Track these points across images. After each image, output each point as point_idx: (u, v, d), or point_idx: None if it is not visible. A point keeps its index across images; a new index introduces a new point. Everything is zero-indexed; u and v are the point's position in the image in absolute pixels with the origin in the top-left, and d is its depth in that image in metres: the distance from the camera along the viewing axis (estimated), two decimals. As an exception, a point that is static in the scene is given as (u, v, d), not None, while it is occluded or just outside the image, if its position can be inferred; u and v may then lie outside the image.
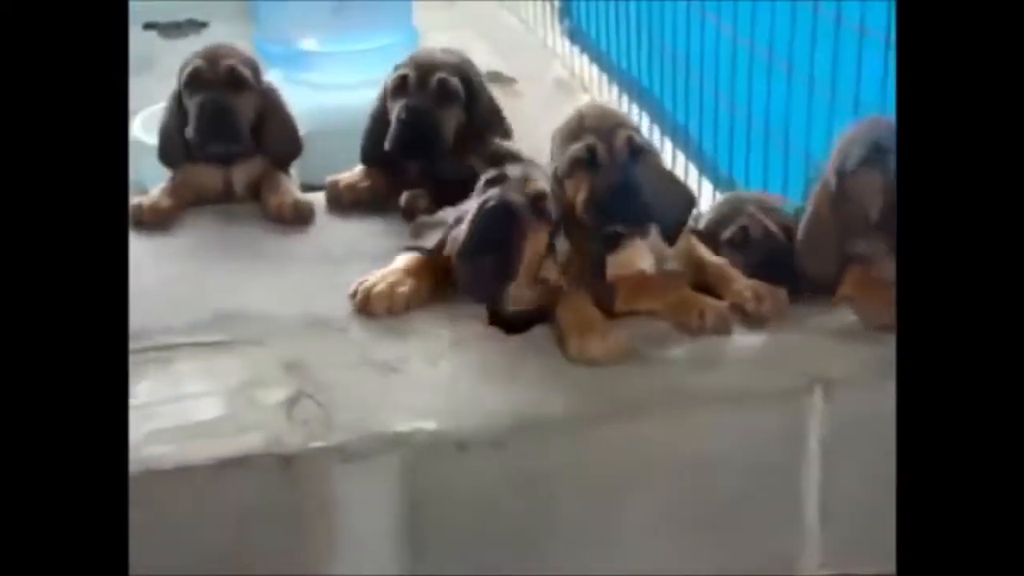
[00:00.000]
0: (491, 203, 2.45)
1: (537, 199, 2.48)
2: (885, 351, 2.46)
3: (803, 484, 2.42)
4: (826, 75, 3.51)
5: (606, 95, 4.84)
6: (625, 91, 4.72)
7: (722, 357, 2.46)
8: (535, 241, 2.47)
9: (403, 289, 2.56)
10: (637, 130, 2.63)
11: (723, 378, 2.42)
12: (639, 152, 2.56)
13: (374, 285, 2.57)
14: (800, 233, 2.66)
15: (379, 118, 3.06)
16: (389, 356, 2.43)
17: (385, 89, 3.05)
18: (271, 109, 3.13)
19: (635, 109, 4.66)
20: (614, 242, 2.54)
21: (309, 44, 4.80)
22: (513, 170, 2.54)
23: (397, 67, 3.03)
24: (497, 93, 3.22)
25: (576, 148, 2.54)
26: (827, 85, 3.50)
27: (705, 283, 2.63)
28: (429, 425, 2.26)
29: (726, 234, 2.73)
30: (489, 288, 2.50)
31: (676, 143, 4.27)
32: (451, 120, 3.00)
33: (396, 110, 2.98)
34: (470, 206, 2.52)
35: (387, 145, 2.98)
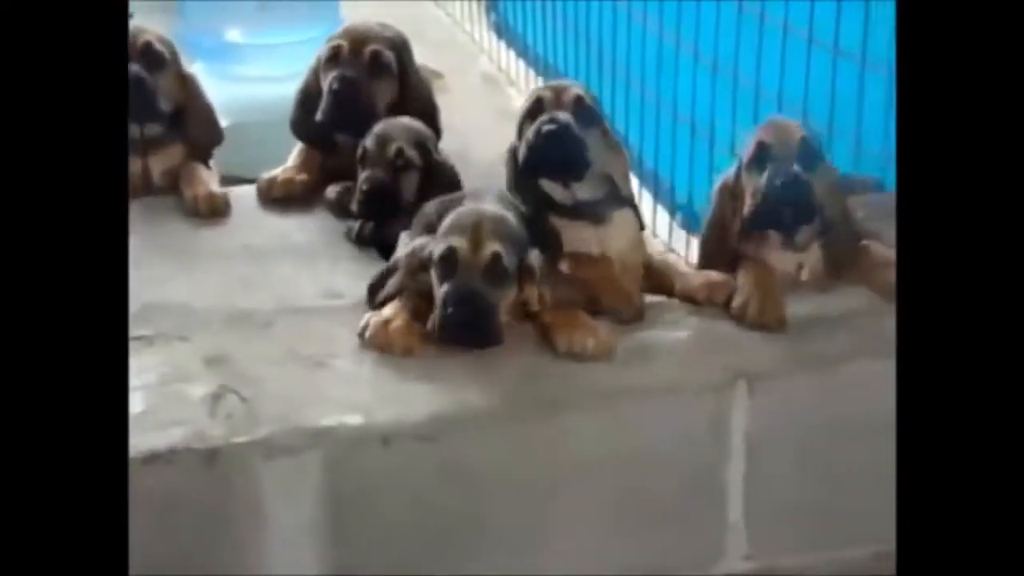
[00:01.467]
0: (453, 303, 2.38)
1: (493, 264, 2.40)
2: (807, 345, 2.49)
3: (727, 477, 2.44)
4: (751, 73, 3.53)
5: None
6: (552, 86, 4.72)
7: (647, 353, 2.47)
8: (507, 302, 2.45)
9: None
10: (593, 96, 2.65)
11: (649, 374, 2.42)
12: (586, 109, 2.57)
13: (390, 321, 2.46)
14: (703, 231, 2.71)
15: (310, 89, 3.04)
16: (315, 351, 2.42)
17: (318, 60, 3.03)
18: (190, 96, 3.08)
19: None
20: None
21: (235, 36, 4.76)
22: (459, 237, 2.42)
23: (330, 38, 3.01)
24: (425, 87, 3.21)
25: (525, 103, 2.58)
26: (752, 83, 3.52)
27: (654, 280, 2.65)
28: (354, 419, 2.25)
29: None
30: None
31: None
32: (382, 93, 2.98)
33: (328, 80, 2.95)
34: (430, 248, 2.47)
35: (319, 116, 2.96)
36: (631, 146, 4.11)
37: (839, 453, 2.47)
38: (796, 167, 2.57)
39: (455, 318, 2.37)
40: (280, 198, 3.02)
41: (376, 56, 2.96)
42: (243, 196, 3.05)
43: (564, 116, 2.54)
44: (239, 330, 2.49)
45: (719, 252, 2.67)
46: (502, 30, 5.28)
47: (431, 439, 2.27)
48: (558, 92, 2.60)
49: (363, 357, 2.41)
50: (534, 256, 2.46)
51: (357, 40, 2.98)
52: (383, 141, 2.78)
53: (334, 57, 2.97)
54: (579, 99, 2.59)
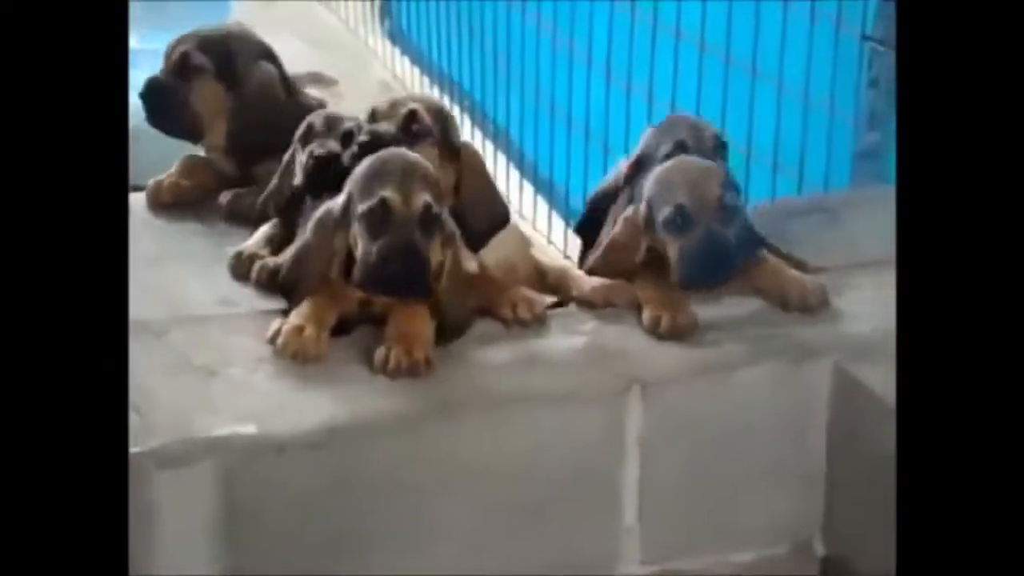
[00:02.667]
0: (394, 258, 2.37)
1: (426, 215, 2.39)
2: (700, 351, 2.51)
3: (622, 482, 2.45)
4: (644, 76, 3.56)
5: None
6: (447, 93, 4.73)
7: (541, 358, 2.48)
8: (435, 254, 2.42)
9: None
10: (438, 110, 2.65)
11: (542, 379, 2.44)
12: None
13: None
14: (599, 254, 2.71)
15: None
16: (208, 360, 2.41)
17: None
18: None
19: (456, 111, 4.67)
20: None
21: (129, 41, 4.72)
22: (390, 188, 2.39)
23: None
24: (319, 94, 3.19)
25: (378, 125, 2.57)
26: (644, 86, 3.55)
27: (548, 287, 2.66)
28: (248, 429, 2.24)
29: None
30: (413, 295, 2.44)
31: (497, 145, 4.28)
32: (198, 94, 3.02)
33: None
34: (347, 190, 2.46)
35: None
36: (526, 152, 4.14)
37: (732, 457, 2.50)
38: (714, 225, 2.56)
39: (394, 273, 2.36)
40: (169, 203, 3.00)
41: (184, 57, 2.99)
42: (135, 202, 3.02)
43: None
44: (132, 339, 2.46)
45: (612, 274, 2.67)
46: (396, 36, 5.28)
47: (325, 447, 2.27)
48: (393, 105, 2.60)
49: (257, 366, 2.40)
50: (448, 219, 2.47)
51: (174, 43, 3.06)
52: (332, 121, 2.73)
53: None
54: (412, 114, 2.59)
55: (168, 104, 3.03)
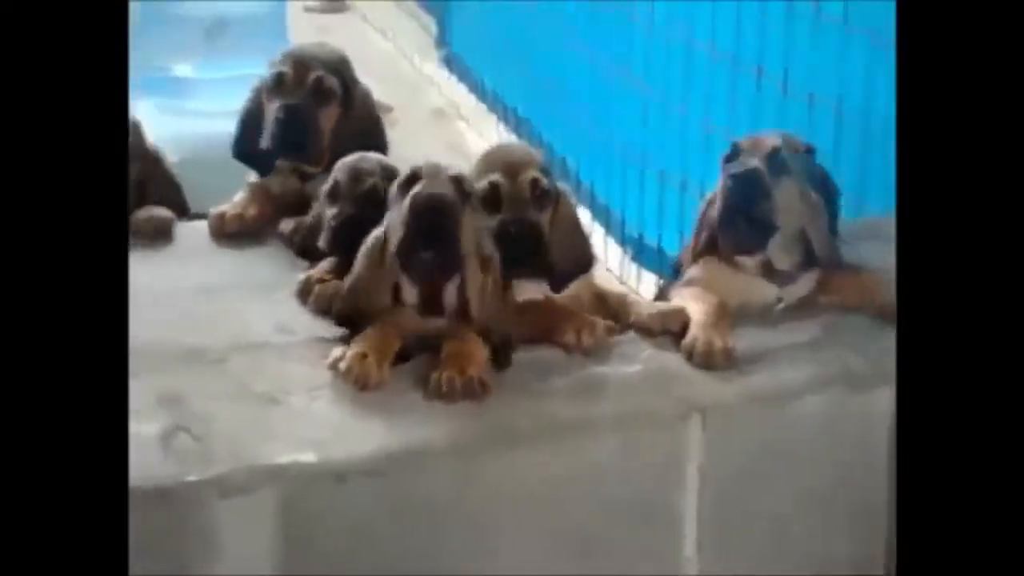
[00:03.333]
0: (422, 194, 2.40)
1: (457, 182, 2.45)
2: (761, 379, 2.50)
3: (681, 510, 2.44)
4: (699, 103, 3.56)
5: (483, 124, 4.85)
6: (502, 120, 4.74)
7: (602, 386, 2.47)
8: (467, 225, 2.45)
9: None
10: (547, 172, 2.64)
11: (601, 406, 2.43)
12: (544, 195, 2.56)
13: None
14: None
15: (252, 114, 3.04)
16: (268, 388, 2.41)
17: (261, 85, 3.03)
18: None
19: (513, 138, 4.67)
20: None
21: (185, 71, 4.77)
22: (423, 166, 2.48)
23: (273, 64, 3.02)
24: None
25: (480, 185, 2.54)
26: (700, 114, 3.54)
27: (608, 313, 2.65)
28: (308, 457, 2.24)
29: None
30: (438, 276, 2.46)
31: (553, 171, 4.29)
32: (327, 118, 2.99)
33: (273, 109, 2.96)
34: (390, 216, 2.49)
35: (263, 144, 2.97)
36: (582, 178, 4.14)
37: (792, 485, 2.48)
38: (755, 162, 2.59)
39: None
40: (232, 233, 3.01)
41: (319, 82, 2.97)
42: (195, 231, 3.04)
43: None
44: (192, 367, 2.48)
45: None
46: (452, 64, 5.30)
47: (383, 474, 2.26)
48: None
49: (316, 394, 2.40)
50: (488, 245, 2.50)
51: (300, 66, 2.99)
52: (356, 176, 2.75)
53: (278, 84, 2.99)
54: (535, 181, 2.59)
55: (304, 130, 2.98)
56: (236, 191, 3.12)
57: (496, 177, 2.54)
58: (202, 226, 3.05)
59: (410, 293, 2.49)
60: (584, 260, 2.67)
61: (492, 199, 2.54)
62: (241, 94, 3.16)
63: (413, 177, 2.46)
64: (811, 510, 2.51)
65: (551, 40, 4.27)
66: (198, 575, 2.20)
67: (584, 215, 3.94)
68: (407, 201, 2.41)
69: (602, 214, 3.93)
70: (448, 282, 2.47)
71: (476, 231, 2.48)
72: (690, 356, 2.54)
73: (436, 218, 2.40)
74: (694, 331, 2.56)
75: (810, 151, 2.75)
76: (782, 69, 3.26)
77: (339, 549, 2.26)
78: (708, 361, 2.52)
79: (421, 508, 2.30)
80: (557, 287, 2.61)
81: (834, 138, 3.26)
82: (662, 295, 2.81)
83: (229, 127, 3.15)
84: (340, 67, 3.04)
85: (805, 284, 2.70)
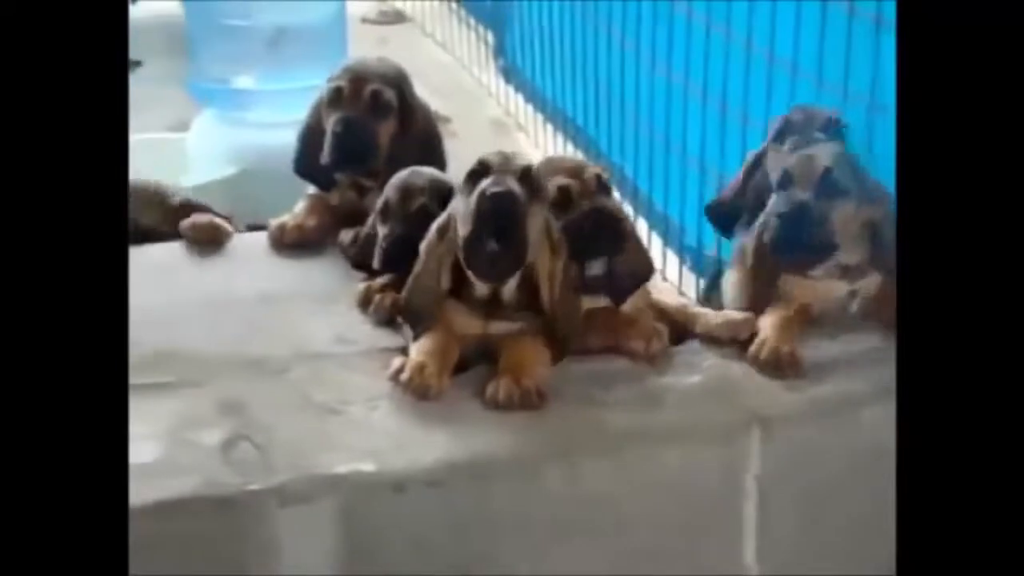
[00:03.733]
0: (489, 192, 2.40)
1: (525, 175, 2.45)
2: (822, 389, 2.48)
3: (741, 522, 2.43)
4: (760, 113, 3.54)
5: (541, 134, 4.85)
6: (560, 130, 4.73)
7: (660, 396, 2.47)
8: (535, 220, 2.46)
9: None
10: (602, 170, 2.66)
11: (662, 417, 2.43)
12: (608, 189, 2.62)
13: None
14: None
15: (312, 130, 3.06)
16: (328, 398, 2.42)
17: (319, 101, 3.05)
18: None
19: (571, 148, 4.67)
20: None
21: (245, 82, 4.78)
22: (491, 157, 2.49)
23: (331, 78, 3.04)
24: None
25: (551, 185, 2.55)
26: (761, 123, 3.53)
27: (669, 322, 2.65)
28: (367, 466, 2.25)
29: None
30: (502, 273, 2.47)
31: (611, 180, 4.28)
32: (385, 131, 3.00)
33: (331, 122, 2.98)
34: (455, 206, 2.49)
35: (323, 158, 2.98)
36: (640, 188, 4.13)
37: (852, 497, 2.47)
38: (806, 194, 2.58)
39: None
40: (291, 244, 3.03)
41: (376, 96, 2.99)
42: (255, 242, 3.06)
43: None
44: (253, 377, 2.50)
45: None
46: (510, 74, 5.30)
47: (443, 485, 2.27)
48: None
49: (376, 403, 2.41)
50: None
51: (357, 80, 3.00)
52: (406, 194, 2.75)
53: (336, 98, 3.00)
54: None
55: (362, 143, 2.99)
56: (296, 202, 3.14)
57: (562, 180, 2.54)
58: (262, 237, 3.07)
59: (475, 288, 2.49)
60: (644, 270, 2.67)
61: (562, 201, 2.54)
62: (301, 105, 3.18)
63: (482, 169, 2.46)
64: (871, 522, 2.49)
65: (609, 50, 4.26)
66: (259, 583, 2.21)
67: (641, 225, 3.93)
68: (474, 196, 2.41)
69: (660, 223, 3.92)
70: (511, 278, 2.47)
71: (545, 221, 2.48)
72: (756, 363, 2.53)
73: (503, 214, 2.40)
74: (761, 338, 2.55)
75: (835, 123, 2.73)
76: (842, 75, 3.24)
77: (398, 559, 2.27)
78: (775, 368, 2.51)
79: (480, 519, 2.30)
80: (619, 299, 2.60)
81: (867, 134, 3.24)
82: (709, 302, 2.80)
83: (289, 138, 3.17)
84: (398, 80, 3.05)
85: (875, 278, 2.67)
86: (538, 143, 4.86)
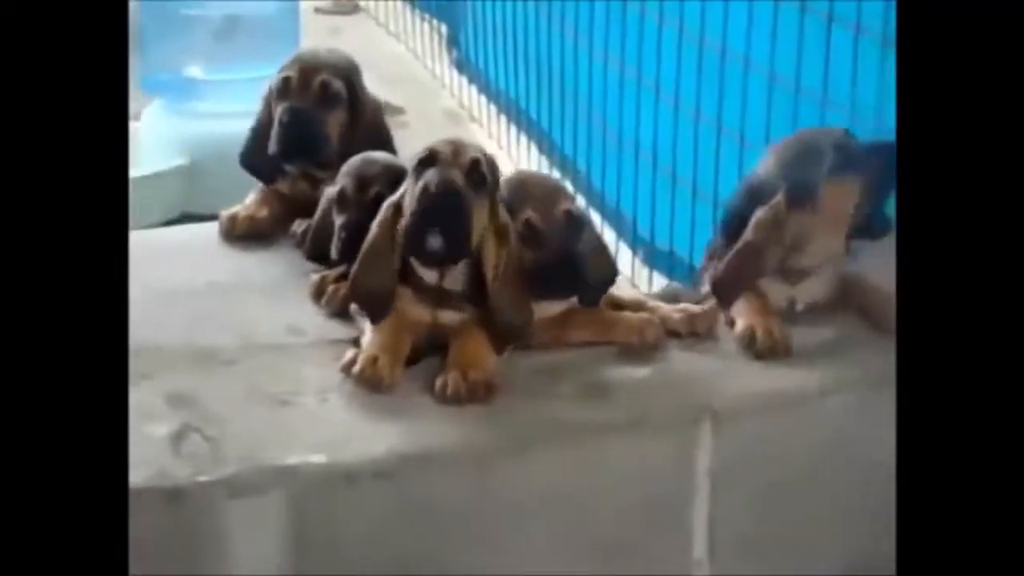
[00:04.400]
0: (432, 185, 2.39)
1: (473, 168, 2.43)
2: (774, 382, 2.49)
3: (692, 515, 2.43)
4: (712, 108, 3.55)
5: (495, 126, 4.85)
6: (513, 123, 4.73)
7: (610, 389, 2.47)
8: (479, 212, 2.44)
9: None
10: (573, 200, 2.62)
11: (611, 410, 2.42)
12: (578, 224, 2.54)
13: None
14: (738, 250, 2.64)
15: (263, 122, 3.03)
16: (278, 389, 2.41)
17: (269, 92, 3.03)
18: None
19: (523, 140, 4.67)
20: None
21: (195, 72, 4.76)
22: (441, 146, 2.46)
23: (281, 69, 3.01)
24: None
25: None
26: (713, 118, 3.54)
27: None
28: (318, 458, 2.24)
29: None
30: (443, 264, 2.46)
31: (564, 175, 4.28)
32: (334, 122, 2.98)
33: (278, 113, 2.96)
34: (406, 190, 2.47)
35: (270, 149, 2.96)
36: (593, 182, 4.13)
37: (806, 489, 2.48)
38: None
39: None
40: (242, 235, 3.01)
41: (325, 86, 2.96)
42: (205, 233, 3.04)
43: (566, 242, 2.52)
44: (203, 368, 2.48)
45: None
46: (464, 66, 5.29)
47: (394, 477, 2.26)
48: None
49: (327, 395, 2.40)
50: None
51: (306, 70, 2.98)
52: (362, 183, 2.73)
53: (284, 88, 2.98)
54: (568, 212, 2.54)
55: (310, 134, 2.95)
56: (247, 193, 3.12)
57: (530, 214, 2.50)
58: (213, 227, 3.05)
59: (423, 275, 2.49)
60: (611, 273, 2.66)
61: (529, 237, 2.50)
62: (253, 96, 3.16)
63: (429, 158, 2.45)
64: (826, 515, 2.50)
65: (562, 43, 4.26)
66: (207, 573, 2.20)
67: (595, 218, 3.94)
68: (419, 187, 2.41)
69: (612, 217, 3.93)
70: (455, 266, 2.47)
71: (491, 210, 2.47)
72: (751, 350, 2.54)
73: (444, 209, 2.39)
74: (748, 322, 2.56)
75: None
76: (794, 71, 3.25)
77: (348, 551, 2.27)
78: (771, 352, 2.52)
79: (431, 511, 2.29)
80: (591, 302, 2.60)
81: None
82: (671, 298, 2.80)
83: (240, 128, 3.15)
84: (348, 71, 3.03)
85: (824, 282, 2.67)
86: (491, 134, 4.86)
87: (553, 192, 2.58)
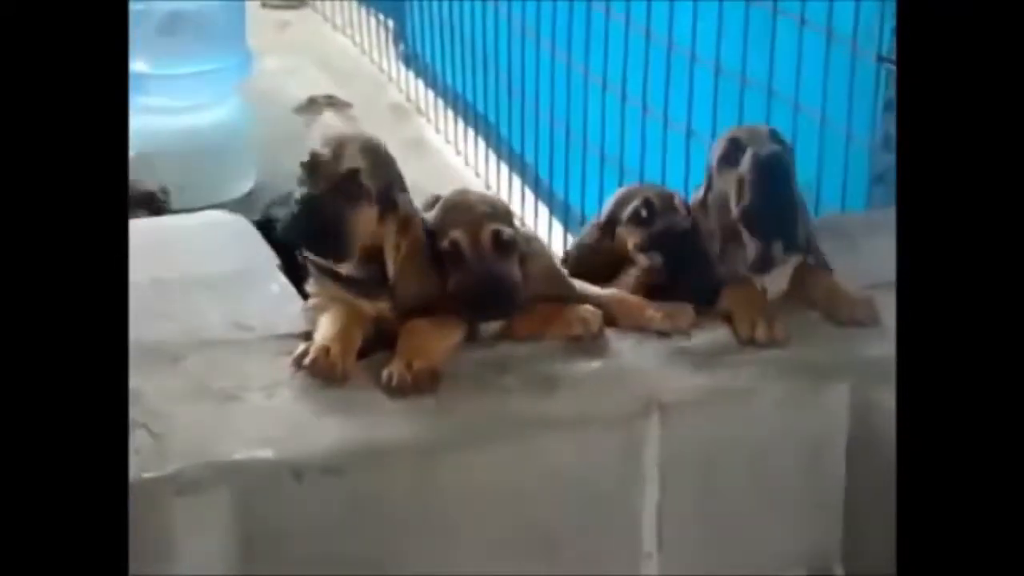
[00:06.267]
0: (304, 199, 2.41)
1: (348, 179, 2.43)
2: (719, 375, 2.50)
3: (640, 507, 2.44)
4: (659, 98, 3.56)
5: (442, 120, 4.85)
6: (460, 117, 4.73)
7: (559, 382, 2.46)
8: (360, 218, 2.45)
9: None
10: (509, 222, 2.58)
11: (560, 403, 2.42)
12: (507, 247, 2.51)
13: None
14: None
15: None
16: (225, 384, 2.40)
17: None
18: None
19: (471, 134, 4.67)
20: None
21: (140, 66, 4.72)
22: (320, 156, 2.44)
23: None
24: (333, 117, 3.19)
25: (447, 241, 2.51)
26: (660, 110, 3.55)
27: (608, 317, 2.62)
28: (265, 453, 2.23)
29: (627, 211, 2.71)
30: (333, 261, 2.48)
31: (511, 167, 4.29)
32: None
33: None
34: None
35: None
36: (540, 175, 4.14)
37: (751, 481, 2.49)
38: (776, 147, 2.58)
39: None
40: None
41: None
42: (151, 227, 3.02)
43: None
44: (148, 364, 2.46)
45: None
46: (411, 61, 5.29)
47: (342, 472, 2.26)
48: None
49: (274, 390, 2.39)
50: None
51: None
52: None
53: None
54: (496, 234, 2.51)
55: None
56: (190, 186, 3.10)
57: (456, 234, 2.50)
58: (158, 222, 3.03)
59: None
60: (563, 291, 2.65)
61: (453, 257, 2.50)
62: (197, 90, 3.15)
63: (312, 165, 2.45)
64: (770, 506, 2.51)
65: (509, 37, 4.26)
66: (154, 573, 2.18)
67: (543, 212, 3.94)
68: (296, 198, 2.44)
69: (560, 209, 3.93)
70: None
71: (385, 207, 2.48)
72: (749, 342, 2.54)
73: (319, 222, 2.42)
74: (747, 317, 2.57)
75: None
76: (739, 63, 3.27)
77: (296, 546, 2.26)
78: (770, 343, 2.53)
79: (379, 506, 2.29)
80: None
81: (791, 134, 3.27)
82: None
83: (183, 123, 3.13)
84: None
85: (785, 273, 2.68)
86: (439, 128, 4.86)
87: (483, 214, 2.53)
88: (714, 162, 2.66)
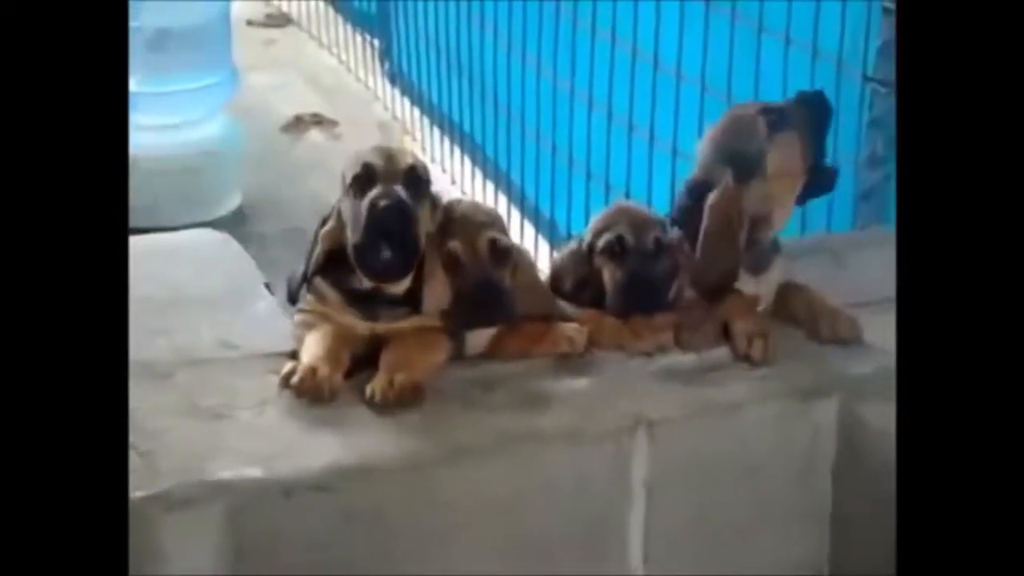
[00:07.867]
0: (381, 204, 2.40)
1: (409, 176, 2.45)
2: (707, 391, 2.51)
3: (628, 523, 2.44)
4: (645, 116, 3.57)
5: (428, 138, 4.86)
6: (446, 134, 4.74)
7: (548, 399, 2.47)
8: (424, 219, 2.46)
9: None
10: (503, 231, 2.60)
11: (548, 419, 2.43)
12: (503, 255, 2.53)
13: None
14: (703, 243, 2.63)
15: None
16: (213, 403, 2.40)
17: None
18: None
19: (456, 152, 4.68)
20: None
21: (129, 84, 4.73)
22: (375, 160, 2.46)
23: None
24: (319, 135, 3.19)
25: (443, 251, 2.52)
26: (646, 128, 3.56)
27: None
28: (254, 471, 2.24)
29: (601, 243, 2.69)
30: (396, 277, 2.47)
31: (498, 185, 4.29)
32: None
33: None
34: (343, 208, 2.48)
35: None
36: (527, 192, 4.15)
37: (738, 497, 2.49)
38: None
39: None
40: None
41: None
42: (138, 246, 3.01)
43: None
44: (137, 382, 2.45)
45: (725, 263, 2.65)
46: (396, 78, 5.30)
47: (332, 489, 2.26)
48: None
49: (263, 408, 2.39)
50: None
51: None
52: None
53: None
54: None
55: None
56: (178, 205, 3.10)
57: (453, 243, 2.51)
58: (145, 240, 3.02)
59: (360, 281, 2.49)
60: (546, 306, 2.66)
61: (450, 265, 2.51)
62: (184, 108, 3.15)
63: (367, 174, 2.45)
64: (757, 522, 2.52)
65: (495, 55, 4.27)
66: (144, 591, 2.19)
67: (528, 230, 3.95)
68: (365, 205, 2.41)
69: (546, 227, 3.94)
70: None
71: (428, 213, 2.49)
72: (747, 360, 2.55)
73: (396, 226, 2.41)
74: (743, 330, 2.57)
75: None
76: (725, 81, 3.28)
77: (286, 564, 2.26)
78: (765, 358, 2.54)
79: (369, 523, 2.29)
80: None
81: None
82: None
83: (172, 140, 3.14)
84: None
85: (777, 271, 2.69)
86: (424, 147, 4.87)
87: (479, 222, 2.56)
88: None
